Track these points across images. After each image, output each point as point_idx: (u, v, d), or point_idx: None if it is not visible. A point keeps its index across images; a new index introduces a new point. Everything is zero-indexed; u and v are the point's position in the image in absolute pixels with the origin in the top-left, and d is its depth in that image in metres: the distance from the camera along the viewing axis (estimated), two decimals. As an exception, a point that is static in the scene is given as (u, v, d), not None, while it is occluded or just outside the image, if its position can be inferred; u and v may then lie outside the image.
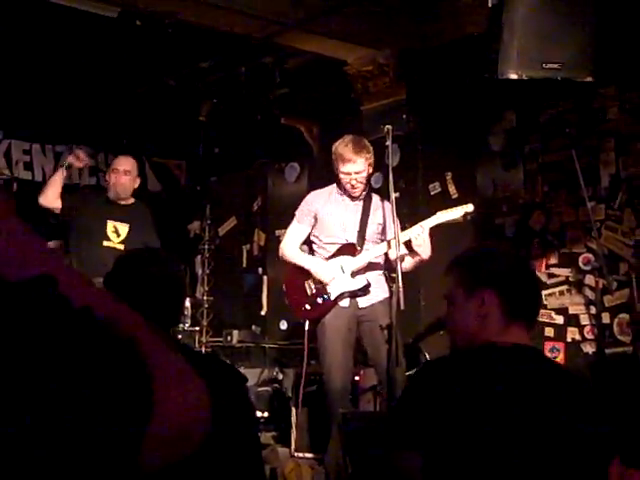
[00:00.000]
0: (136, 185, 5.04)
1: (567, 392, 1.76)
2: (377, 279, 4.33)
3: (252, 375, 6.18)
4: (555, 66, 3.86)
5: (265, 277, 6.81)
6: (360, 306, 4.28)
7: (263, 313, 6.80)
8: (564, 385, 1.78)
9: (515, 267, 1.90)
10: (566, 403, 1.74)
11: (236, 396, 2.02)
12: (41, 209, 4.83)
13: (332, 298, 4.26)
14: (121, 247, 4.79)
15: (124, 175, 4.91)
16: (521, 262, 2.03)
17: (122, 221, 4.89)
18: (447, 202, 5.14)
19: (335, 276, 4.26)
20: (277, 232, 6.53)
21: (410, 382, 1.95)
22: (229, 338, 6.76)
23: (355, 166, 4.24)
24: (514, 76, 3.84)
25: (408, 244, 4.21)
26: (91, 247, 4.73)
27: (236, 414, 1.98)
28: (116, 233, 4.85)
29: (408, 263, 4.24)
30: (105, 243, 4.80)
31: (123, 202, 4.98)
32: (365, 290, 4.27)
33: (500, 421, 1.67)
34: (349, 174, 4.26)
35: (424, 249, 4.17)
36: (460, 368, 1.76)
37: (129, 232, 4.86)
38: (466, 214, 4.30)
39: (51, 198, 4.77)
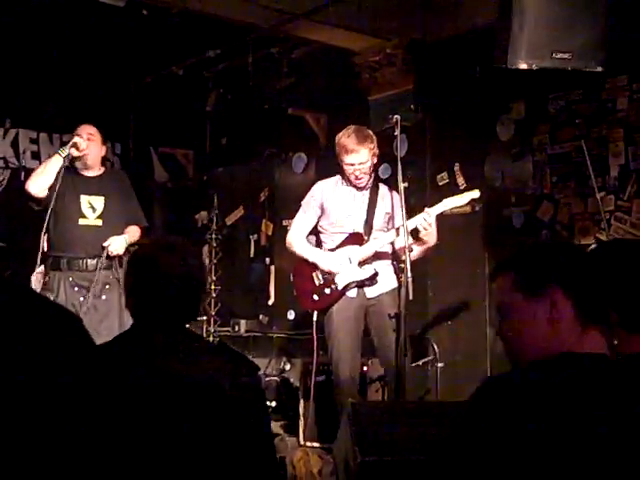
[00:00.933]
0: (103, 153, 4.84)
1: None
2: (385, 269, 4.32)
3: (259, 365, 6.19)
4: (565, 56, 3.84)
5: (272, 267, 6.81)
6: (368, 296, 4.28)
7: (270, 303, 6.81)
8: None
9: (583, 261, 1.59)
10: None
11: (247, 385, 2.02)
12: (26, 196, 4.65)
13: (340, 288, 4.26)
14: (99, 222, 4.63)
15: (88, 140, 4.67)
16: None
17: (96, 194, 4.68)
18: (455, 193, 5.11)
19: (342, 267, 4.26)
20: (284, 222, 6.53)
21: (470, 407, 1.44)
22: (236, 328, 6.77)
23: (358, 157, 4.24)
24: (524, 66, 3.82)
25: (414, 232, 4.21)
26: (67, 227, 4.57)
27: (248, 403, 1.98)
28: (92, 208, 4.66)
29: (415, 250, 4.24)
30: (81, 221, 4.61)
31: (92, 173, 4.76)
32: (373, 280, 4.26)
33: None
34: (353, 165, 4.26)
35: (430, 236, 4.18)
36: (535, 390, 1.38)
37: (105, 205, 4.67)
38: (472, 200, 4.29)
39: (42, 187, 4.57)
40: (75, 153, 4.63)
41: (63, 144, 7.01)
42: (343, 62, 6.09)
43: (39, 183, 4.59)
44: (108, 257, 4.53)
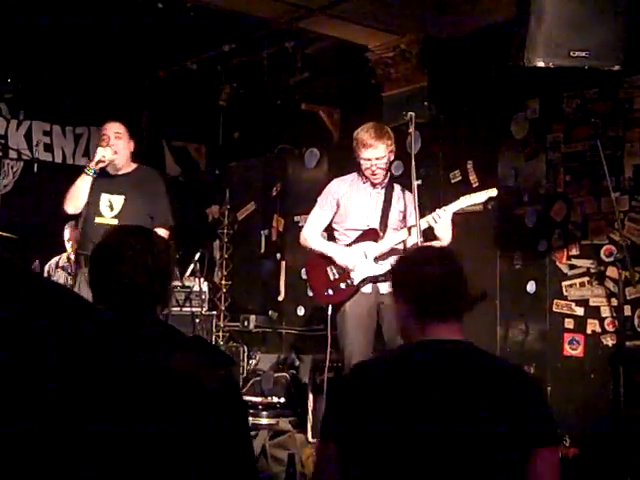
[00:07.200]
0: (131, 149, 4.67)
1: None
2: (399, 266, 4.32)
3: (268, 360, 6.20)
4: (582, 54, 3.80)
5: (283, 263, 6.80)
6: (381, 292, 4.29)
7: (280, 299, 6.80)
8: None
9: None
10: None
11: (222, 379, 2.01)
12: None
13: (355, 283, 4.27)
14: (115, 222, 4.47)
15: (116, 139, 4.58)
16: None
17: (117, 193, 4.56)
18: (468, 191, 5.09)
19: (358, 262, 4.26)
20: (296, 218, 6.52)
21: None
22: (246, 323, 6.77)
23: (376, 152, 4.25)
24: (541, 64, 3.79)
25: (429, 228, 4.20)
26: (87, 225, 4.50)
27: (223, 396, 1.97)
28: (110, 207, 4.55)
29: None
30: (97, 220, 4.51)
31: (121, 171, 4.64)
32: (388, 276, 4.27)
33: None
34: (370, 160, 4.27)
35: (445, 233, 4.18)
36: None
37: (124, 205, 4.55)
38: (490, 199, 4.27)
39: (77, 207, 4.52)
40: (102, 165, 4.54)
41: (76, 136, 7.07)
42: (357, 58, 6.07)
43: (74, 204, 4.54)
44: None
